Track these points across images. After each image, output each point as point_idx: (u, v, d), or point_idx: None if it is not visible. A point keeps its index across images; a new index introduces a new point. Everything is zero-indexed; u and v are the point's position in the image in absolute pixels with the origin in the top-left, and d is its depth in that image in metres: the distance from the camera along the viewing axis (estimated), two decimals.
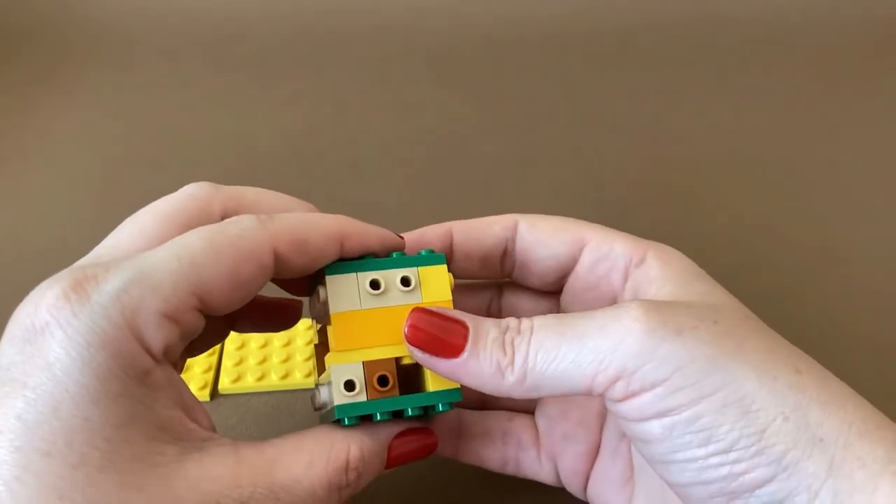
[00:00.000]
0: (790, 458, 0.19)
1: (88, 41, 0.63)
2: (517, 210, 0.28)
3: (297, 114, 0.55)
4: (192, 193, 0.23)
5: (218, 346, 0.35)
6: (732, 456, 0.19)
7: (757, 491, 0.19)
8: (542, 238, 0.26)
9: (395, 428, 0.23)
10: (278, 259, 0.21)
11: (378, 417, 0.22)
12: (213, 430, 0.21)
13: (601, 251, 0.25)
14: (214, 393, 0.33)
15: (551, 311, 0.27)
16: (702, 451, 0.20)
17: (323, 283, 0.23)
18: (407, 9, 0.64)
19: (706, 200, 0.46)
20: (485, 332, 0.22)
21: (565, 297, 0.27)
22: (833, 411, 0.19)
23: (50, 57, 0.62)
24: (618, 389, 0.20)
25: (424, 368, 0.23)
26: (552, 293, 0.28)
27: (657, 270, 0.24)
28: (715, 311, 0.21)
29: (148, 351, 0.19)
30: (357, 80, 0.58)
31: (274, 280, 0.24)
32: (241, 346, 0.35)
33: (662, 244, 0.25)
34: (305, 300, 0.26)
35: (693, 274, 0.24)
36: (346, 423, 0.22)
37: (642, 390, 0.20)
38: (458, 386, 0.23)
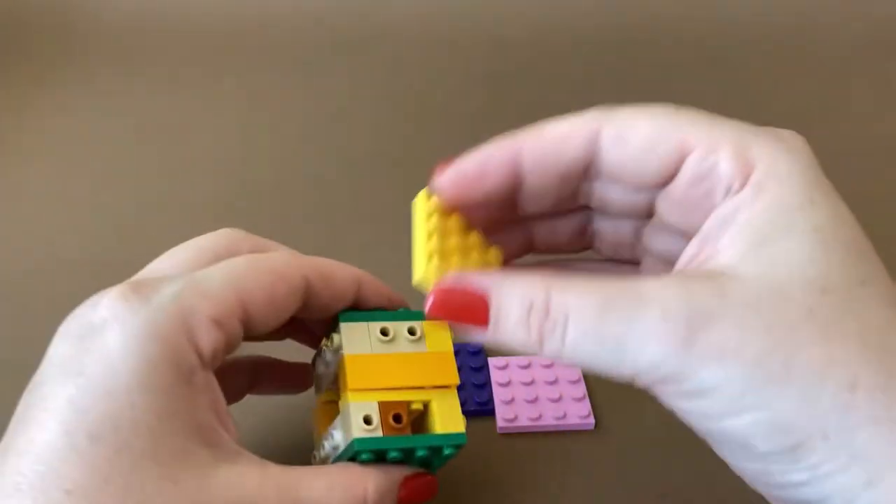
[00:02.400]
0: (825, 469, 0.19)
1: (88, 41, 0.63)
2: None
3: (298, 114, 0.55)
4: (225, 233, 0.26)
5: None
6: (767, 462, 0.19)
7: (792, 490, 0.20)
8: (632, 155, 0.22)
9: (406, 470, 0.24)
10: (308, 287, 0.24)
11: (391, 455, 0.23)
12: (240, 442, 0.22)
13: (703, 167, 0.21)
14: None
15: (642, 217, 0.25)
16: (740, 453, 0.20)
17: (337, 330, 0.25)
18: (408, 11, 0.64)
19: None
20: (505, 313, 0.21)
21: (662, 202, 0.24)
22: (883, 432, 0.18)
23: (50, 57, 0.62)
24: (657, 388, 0.21)
25: (433, 413, 0.24)
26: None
27: (742, 209, 0.21)
28: (775, 305, 0.19)
29: (197, 352, 0.21)
30: (358, 82, 0.58)
31: (291, 335, 0.28)
32: None
33: (775, 151, 0.21)
34: None
35: (782, 216, 0.20)
36: (363, 458, 0.23)
37: (678, 397, 0.20)
38: (464, 430, 0.24)
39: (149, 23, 0.65)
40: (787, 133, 0.22)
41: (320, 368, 0.26)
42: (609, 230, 0.26)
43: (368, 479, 0.23)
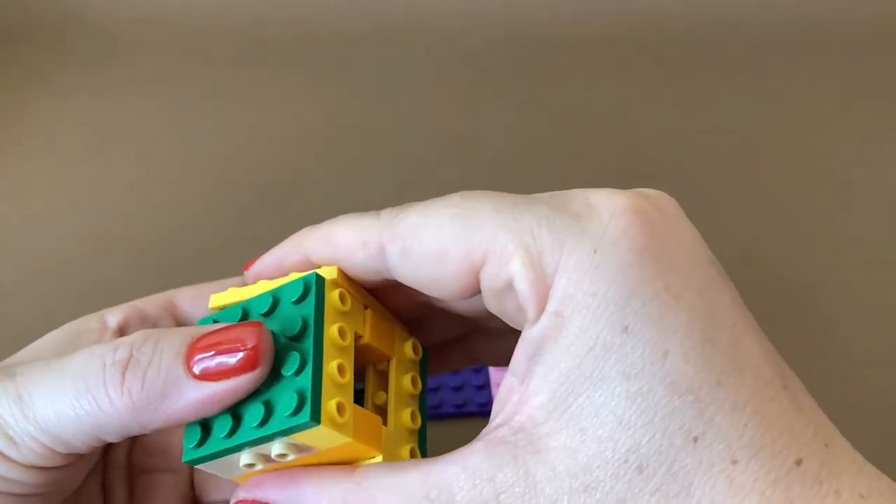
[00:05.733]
0: None
1: (88, 41, 0.63)
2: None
3: (299, 113, 0.55)
4: (91, 318, 0.24)
5: None
6: None
7: None
8: (422, 272, 0.19)
9: (207, 328, 0.19)
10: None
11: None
12: None
13: (498, 282, 0.18)
14: None
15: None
16: None
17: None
18: (407, 11, 0.64)
19: (707, 201, 0.46)
20: None
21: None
22: None
23: (49, 56, 0.62)
24: None
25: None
26: None
27: (547, 346, 0.17)
28: (580, 498, 0.16)
29: (102, 322, 0.23)
30: (360, 80, 0.58)
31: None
32: None
33: (586, 245, 0.17)
34: None
35: (589, 358, 0.17)
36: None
37: None
38: (312, 274, 0.20)
39: (149, 22, 0.65)
40: (608, 205, 0.17)
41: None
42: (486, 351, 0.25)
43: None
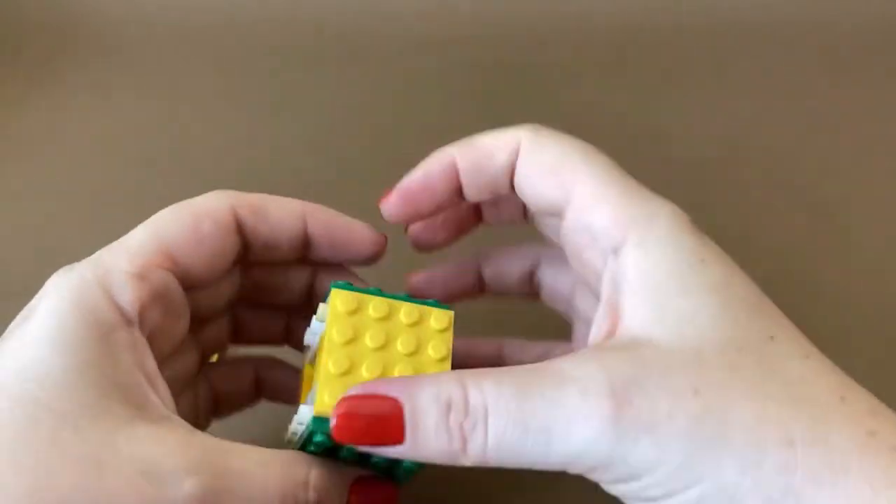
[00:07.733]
0: None
1: (88, 40, 0.63)
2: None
3: (299, 113, 0.55)
4: (210, 196, 0.24)
5: None
6: None
7: None
8: (532, 177, 0.23)
9: (360, 472, 0.22)
10: (241, 223, 0.23)
11: (344, 453, 0.21)
12: (174, 412, 0.20)
13: (580, 221, 0.22)
14: None
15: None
16: None
17: (327, 300, 0.23)
18: (406, 10, 0.64)
19: (707, 200, 0.46)
20: (423, 418, 0.18)
21: (564, 247, 0.24)
22: (826, 488, 0.17)
23: (49, 56, 0.61)
24: (590, 475, 0.19)
25: None
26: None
27: (633, 270, 0.20)
28: (696, 367, 0.18)
29: (118, 310, 0.20)
30: (360, 80, 0.58)
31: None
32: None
33: (658, 212, 0.21)
34: None
35: (675, 275, 0.20)
36: (312, 448, 0.21)
37: (616, 482, 0.19)
38: None
39: (149, 21, 0.65)
40: (668, 204, 0.22)
41: (307, 338, 0.24)
42: (549, 280, 0.28)
43: (314, 465, 0.21)
